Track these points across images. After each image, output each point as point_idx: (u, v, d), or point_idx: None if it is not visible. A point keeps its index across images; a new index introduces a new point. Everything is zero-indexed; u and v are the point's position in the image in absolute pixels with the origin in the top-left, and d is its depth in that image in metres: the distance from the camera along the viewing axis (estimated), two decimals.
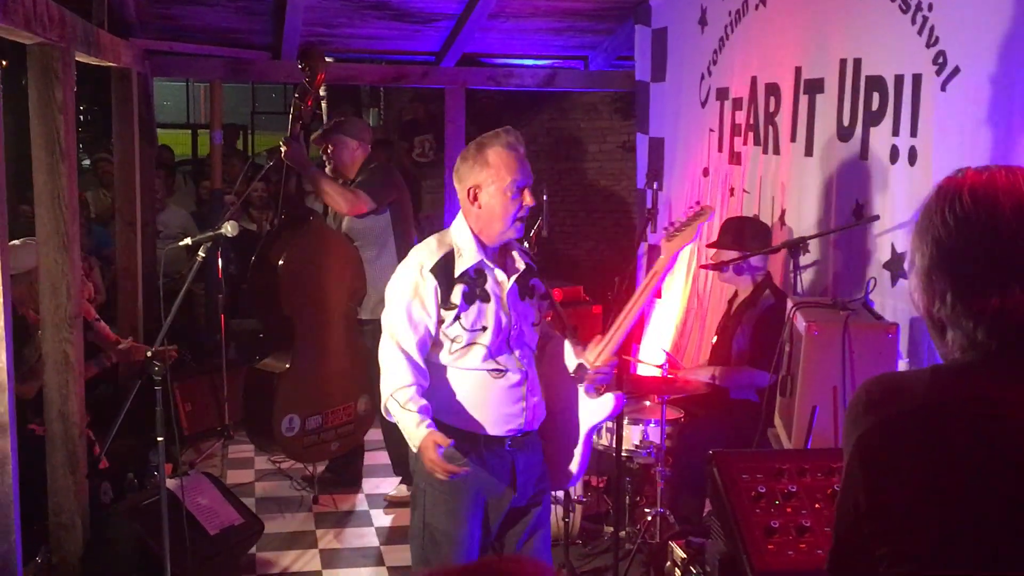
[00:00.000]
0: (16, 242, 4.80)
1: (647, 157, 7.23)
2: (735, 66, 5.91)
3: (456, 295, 3.30)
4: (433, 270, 3.31)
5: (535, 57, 8.26)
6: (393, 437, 5.91)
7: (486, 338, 3.32)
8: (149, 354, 3.91)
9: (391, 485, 6.01)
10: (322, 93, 13.40)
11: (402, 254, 5.74)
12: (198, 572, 4.46)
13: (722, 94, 6.07)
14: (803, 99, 5.14)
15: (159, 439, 3.93)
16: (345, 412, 5.71)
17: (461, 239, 3.37)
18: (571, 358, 3.55)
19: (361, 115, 12.01)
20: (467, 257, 3.33)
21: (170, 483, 4.50)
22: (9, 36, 4.01)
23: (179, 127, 19.54)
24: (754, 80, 5.66)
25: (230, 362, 6.85)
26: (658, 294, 6.93)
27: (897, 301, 4.23)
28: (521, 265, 3.45)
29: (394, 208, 5.73)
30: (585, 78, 8.34)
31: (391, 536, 5.48)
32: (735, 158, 5.92)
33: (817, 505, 2.10)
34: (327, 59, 8.30)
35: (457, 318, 3.30)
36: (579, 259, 10.24)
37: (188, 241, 4.22)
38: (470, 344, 3.32)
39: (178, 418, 6.40)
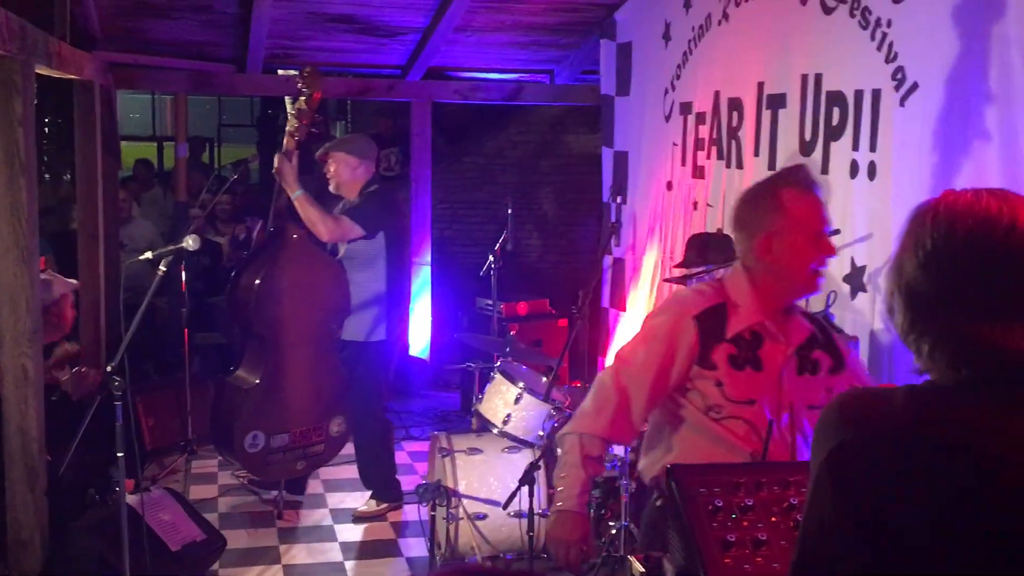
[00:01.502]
0: None
1: (612, 170, 7.27)
2: (698, 81, 5.94)
3: (719, 356, 2.81)
4: (698, 318, 2.84)
5: (501, 71, 8.29)
6: (368, 456, 5.91)
7: (753, 414, 2.80)
8: (108, 369, 3.88)
9: (356, 500, 6.00)
10: (288, 105, 13.38)
11: (392, 279, 5.74)
12: None
13: (686, 108, 6.11)
14: (766, 114, 5.18)
15: (119, 455, 3.90)
16: (316, 432, 5.66)
17: (739, 293, 2.86)
18: None
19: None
20: (744, 314, 2.83)
21: (131, 499, 4.46)
22: None
23: (145, 140, 19.43)
24: (717, 95, 5.69)
25: (194, 376, 6.81)
26: (622, 307, 6.96)
27: (856, 315, 4.27)
28: (805, 333, 2.93)
29: (389, 234, 5.69)
30: (551, 92, 8.37)
31: (356, 551, 5.45)
32: (699, 172, 5.95)
33: (773, 519, 2.11)
34: (293, 72, 8.30)
35: (718, 384, 2.81)
36: (545, 272, 10.25)
37: (149, 255, 4.20)
38: (732, 417, 2.81)
39: (140, 433, 6.34)
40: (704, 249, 5.03)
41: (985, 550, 1.43)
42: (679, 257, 6.10)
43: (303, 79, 5.36)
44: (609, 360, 7.01)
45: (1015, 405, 1.47)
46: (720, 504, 2.10)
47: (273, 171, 5.48)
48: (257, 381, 5.43)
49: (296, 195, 5.42)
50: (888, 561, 1.47)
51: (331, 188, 5.76)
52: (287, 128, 5.47)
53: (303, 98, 5.37)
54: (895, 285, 1.57)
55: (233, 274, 5.62)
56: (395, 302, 5.79)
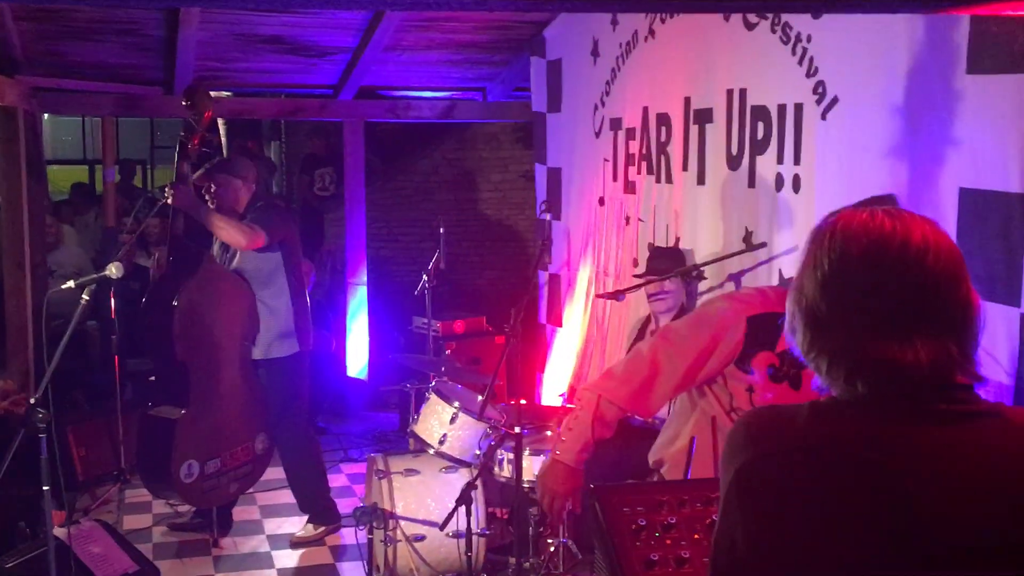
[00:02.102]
0: None
1: (545, 187, 7.29)
2: (627, 96, 5.99)
3: (759, 363, 2.81)
4: (751, 320, 2.83)
5: (433, 89, 8.28)
6: (299, 477, 5.85)
7: None
8: (32, 401, 3.80)
9: (293, 525, 5.93)
10: (221, 127, 13.26)
11: (295, 292, 5.70)
12: None
13: (615, 124, 6.15)
14: (693, 128, 5.22)
15: (45, 488, 3.82)
16: (244, 453, 5.62)
17: None
18: None
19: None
20: None
21: (60, 532, 4.37)
22: None
23: (77, 163, 19.15)
24: (646, 110, 5.74)
25: (126, 404, 6.70)
26: (559, 323, 6.97)
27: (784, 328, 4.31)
28: None
29: (284, 247, 5.66)
30: (483, 109, 8.38)
31: None
32: (630, 187, 5.99)
33: (696, 536, 2.12)
34: (224, 93, 8.24)
35: (749, 389, 2.83)
36: (483, 289, 10.25)
37: (71, 284, 4.12)
38: None
39: (72, 463, 6.23)
40: (663, 261, 5.00)
41: (893, 558, 1.45)
42: (612, 272, 6.14)
43: (189, 99, 5.31)
44: (547, 375, 7.05)
45: (911, 418, 1.50)
46: (643, 523, 2.11)
47: (169, 202, 5.36)
48: (183, 411, 5.34)
49: (203, 214, 5.38)
50: (798, 572, 1.49)
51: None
52: (178, 151, 5.41)
53: (192, 118, 5.33)
54: (796, 306, 1.59)
55: (143, 307, 5.51)
56: (299, 313, 5.73)
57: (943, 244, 1.53)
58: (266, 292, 5.61)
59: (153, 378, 5.79)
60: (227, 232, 5.40)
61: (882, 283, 1.51)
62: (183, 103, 5.35)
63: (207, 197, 5.64)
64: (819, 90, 4.12)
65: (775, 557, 1.50)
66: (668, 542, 2.10)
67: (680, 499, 2.17)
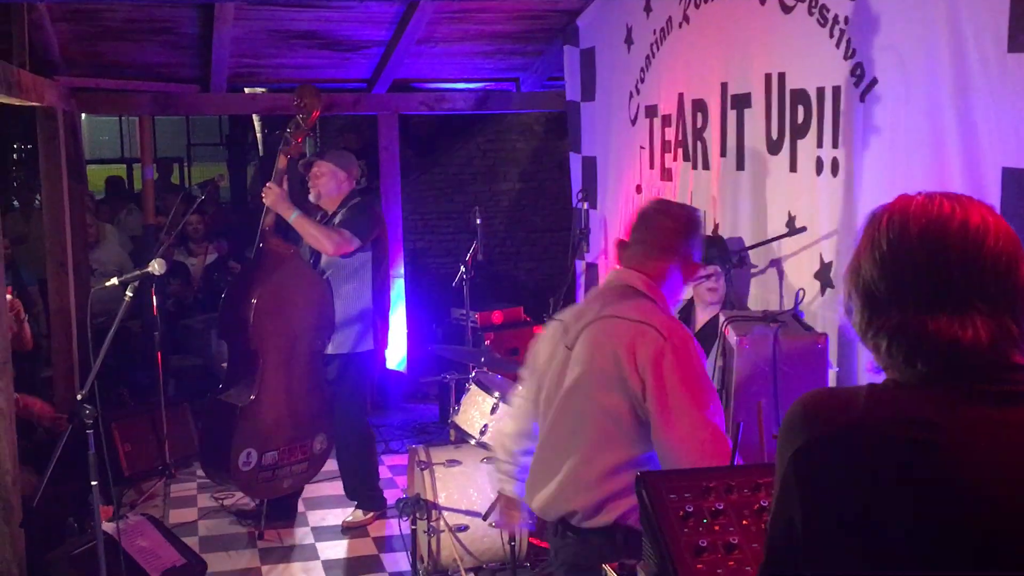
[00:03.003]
0: None
1: (580, 176, 7.27)
2: (662, 83, 5.96)
3: None
4: None
5: (467, 80, 8.29)
6: (353, 468, 5.91)
7: None
8: (79, 397, 3.85)
9: (337, 517, 5.99)
10: (256, 123, 13.34)
11: (378, 289, 5.76)
12: None
13: (651, 111, 6.12)
14: (731, 114, 5.19)
15: (93, 483, 3.87)
16: (301, 450, 5.69)
17: None
18: None
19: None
20: None
21: (108, 527, 4.42)
22: None
23: (115, 162, 19.31)
24: (681, 97, 5.71)
25: (169, 400, 6.77)
26: None
27: (826, 311, 4.28)
28: None
29: (375, 245, 5.71)
30: (517, 100, 8.37)
31: (339, 568, 5.43)
32: (666, 174, 5.96)
33: (745, 522, 2.11)
34: (259, 90, 8.28)
35: None
36: (520, 280, 10.25)
37: (115, 281, 4.16)
38: None
39: (117, 459, 6.30)
40: (705, 250, 4.96)
41: (948, 541, 1.44)
42: None
43: (300, 98, 5.39)
44: None
45: (968, 400, 1.49)
46: (691, 509, 2.10)
47: (265, 201, 5.51)
48: (252, 398, 5.44)
49: (293, 218, 5.47)
50: (856, 558, 1.48)
51: (311, 198, 5.77)
52: (280, 145, 5.51)
53: (300, 116, 5.42)
54: (852, 285, 1.60)
55: (225, 294, 5.64)
56: (381, 312, 5.81)
57: (1002, 226, 1.54)
58: (350, 287, 5.67)
59: (226, 364, 5.89)
60: (315, 238, 5.52)
61: (941, 261, 1.51)
62: (293, 102, 5.43)
63: (310, 185, 5.71)
64: (857, 72, 4.08)
65: (832, 539, 1.49)
66: (716, 528, 2.09)
67: (727, 485, 2.16)
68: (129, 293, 4.00)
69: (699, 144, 5.54)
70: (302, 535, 5.85)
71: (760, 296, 4.93)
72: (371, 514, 5.89)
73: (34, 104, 5.99)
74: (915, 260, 1.52)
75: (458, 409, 5.21)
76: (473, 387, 5.14)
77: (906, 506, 1.46)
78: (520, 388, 3.40)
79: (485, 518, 4.65)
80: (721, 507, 2.12)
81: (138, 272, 4.12)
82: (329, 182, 5.72)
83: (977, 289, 1.50)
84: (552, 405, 3.11)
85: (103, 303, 6.75)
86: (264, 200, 5.52)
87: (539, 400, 3.19)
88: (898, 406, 1.52)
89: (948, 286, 1.50)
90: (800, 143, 4.57)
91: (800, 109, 4.55)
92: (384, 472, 6.78)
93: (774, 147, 4.78)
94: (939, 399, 1.50)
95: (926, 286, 1.51)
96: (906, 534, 1.45)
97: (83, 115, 7.81)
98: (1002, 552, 1.43)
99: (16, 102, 5.52)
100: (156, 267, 4.10)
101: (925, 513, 1.45)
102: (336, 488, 6.10)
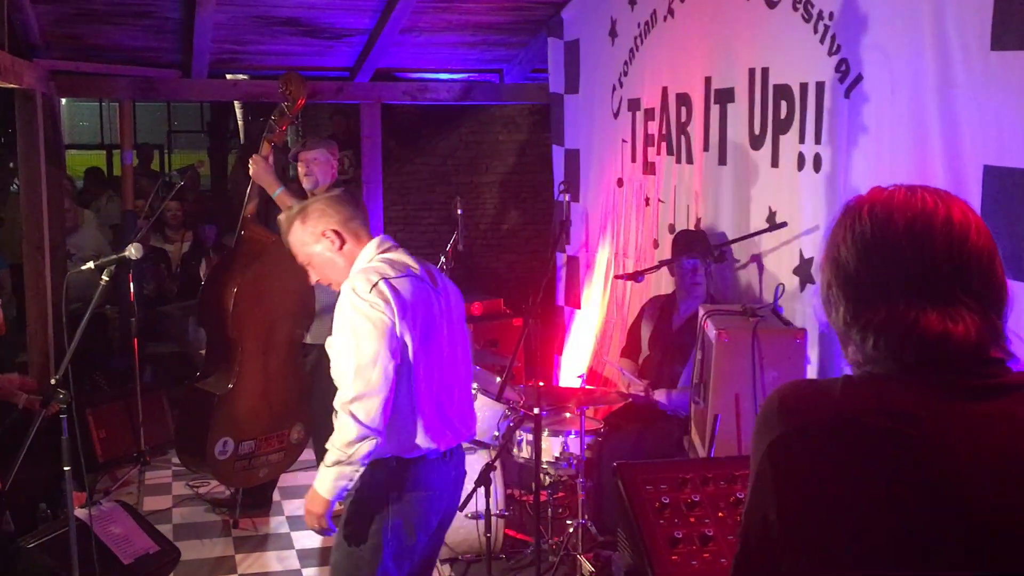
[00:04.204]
0: None
1: (563, 168, 7.26)
2: (646, 77, 5.95)
3: None
4: None
5: (450, 71, 8.25)
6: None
7: None
8: (53, 382, 3.80)
9: None
10: (238, 110, 13.27)
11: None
12: None
13: (634, 105, 6.11)
14: (714, 108, 5.19)
15: (66, 468, 3.82)
16: (278, 439, 5.65)
17: None
18: None
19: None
20: None
21: (80, 513, 4.38)
22: None
23: (93, 148, 19.19)
24: (665, 90, 5.70)
25: (145, 386, 6.71)
26: (577, 304, 6.95)
27: (806, 307, 4.29)
28: None
29: None
30: (500, 91, 8.34)
31: (314, 558, 5.40)
32: (649, 168, 5.96)
33: (720, 514, 2.10)
34: (241, 76, 8.23)
35: None
36: (500, 272, 10.23)
37: (91, 265, 4.11)
38: None
39: (92, 445, 6.25)
40: (687, 244, 4.97)
41: (926, 533, 1.43)
42: (632, 253, 6.12)
43: (285, 85, 5.36)
44: (565, 357, 7.03)
45: (947, 392, 1.48)
46: (667, 501, 2.10)
47: (250, 174, 5.46)
48: (230, 386, 5.40)
49: (277, 193, 5.45)
50: (833, 549, 1.47)
51: (306, 187, 5.73)
52: (264, 132, 5.47)
53: (285, 104, 5.39)
54: (832, 277, 1.57)
55: (205, 280, 5.59)
56: None
57: (980, 221, 1.54)
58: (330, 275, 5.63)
59: (204, 351, 5.84)
60: None
61: (929, 255, 1.50)
62: (278, 89, 5.43)
63: (304, 173, 5.69)
64: (842, 68, 4.08)
65: (808, 533, 1.48)
66: (692, 520, 2.09)
67: (704, 477, 2.16)
68: (105, 277, 3.95)
69: (683, 138, 5.53)
70: (277, 524, 5.82)
71: (741, 291, 4.93)
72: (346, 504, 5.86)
73: (13, 86, 5.93)
74: (902, 253, 1.51)
75: None
76: None
77: (883, 498, 1.45)
78: None
79: (461, 509, 4.63)
80: (697, 499, 2.11)
81: (115, 256, 4.07)
82: (319, 169, 5.69)
83: (963, 283, 1.50)
84: None
85: (79, 288, 6.69)
86: (250, 171, 5.47)
87: None
88: (876, 398, 1.51)
89: (936, 280, 1.50)
90: (782, 138, 4.58)
91: (783, 104, 4.55)
92: None
93: (756, 142, 4.78)
94: (918, 391, 1.49)
95: (914, 280, 1.50)
96: (882, 526, 1.44)
97: (63, 100, 7.73)
98: (980, 545, 1.42)
99: None
100: (133, 251, 4.05)
101: (902, 505, 1.44)
102: (312, 478, 5.95)
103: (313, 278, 3.64)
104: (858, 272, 1.54)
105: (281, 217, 3.63)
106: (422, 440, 3.33)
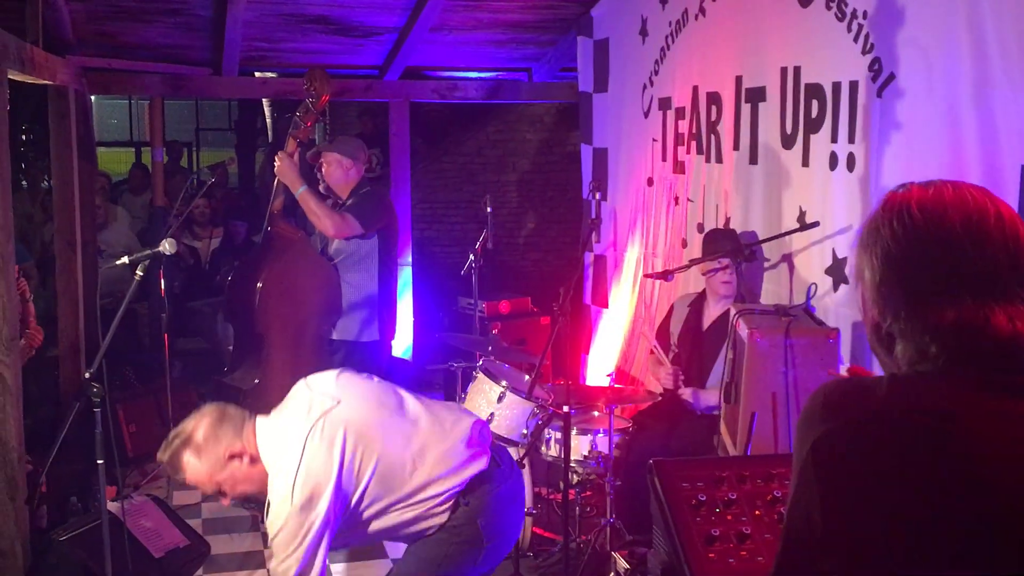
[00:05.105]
0: None
1: (591, 167, 7.26)
2: (676, 76, 5.94)
3: None
4: None
5: (479, 69, 8.26)
6: None
7: None
8: (87, 376, 3.83)
9: None
10: (266, 107, 13.31)
11: (384, 279, 5.74)
12: None
13: (664, 104, 6.10)
14: (745, 107, 5.17)
15: (99, 462, 3.85)
16: None
17: None
18: None
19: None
20: None
21: (112, 506, 4.42)
22: None
23: (123, 145, 19.33)
24: (695, 89, 5.69)
25: (175, 381, 6.76)
26: (604, 304, 6.94)
27: (839, 306, 4.27)
28: None
29: (382, 233, 5.69)
30: (529, 90, 8.35)
31: (343, 554, 5.41)
32: (679, 167, 5.95)
33: (757, 512, 2.10)
34: (270, 74, 8.27)
35: None
36: (527, 270, 10.24)
37: (126, 260, 4.14)
38: None
39: (122, 440, 6.30)
40: (717, 243, 4.95)
41: (971, 533, 1.42)
42: (661, 252, 6.11)
43: (309, 82, 5.37)
44: (592, 356, 7.02)
45: (989, 389, 1.46)
46: (703, 498, 2.09)
47: (275, 170, 5.47)
48: (257, 381, 5.43)
49: (300, 191, 5.45)
50: (876, 548, 1.46)
51: (321, 188, 5.76)
52: (290, 129, 5.49)
53: (310, 100, 5.39)
54: (882, 276, 1.54)
55: (232, 275, 5.62)
56: (386, 302, 5.79)
57: (1020, 219, 1.52)
58: (356, 275, 5.65)
59: (231, 347, 5.88)
60: (317, 217, 5.46)
61: (990, 251, 1.48)
62: (304, 86, 5.41)
63: (318, 175, 5.71)
64: (875, 67, 4.06)
65: (851, 531, 1.47)
66: (729, 518, 2.08)
67: (740, 474, 2.15)
68: (139, 272, 3.98)
69: (712, 137, 5.52)
70: None
71: (772, 290, 4.92)
72: None
73: (46, 82, 5.97)
74: (962, 250, 1.49)
75: (464, 397, 5.20)
76: (480, 375, 5.12)
77: (926, 498, 1.44)
78: None
79: None
80: (734, 496, 2.11)
81: (148, 252, 4.10)
82: (335, 171, 5.70)
83: (1020, 279, 1.48)
84: None
85: (109, 284, 6.74)
86: (275, 167, 5.50)
87: None
88: (923, 396, 1.49)
89: (997, 277, 1.48)
90: (814, 138, 4.56)
91: (815, 103, 4.53)
92: None
93: (788, 141, 4.76)
94: (966, 389, 1.47)
95: (976, 277, 1.48)
96: (925, 525, 1.43)
97: (93, 97, 7.79)
98: (1019, 545, 1.41)
99: (29, 79, 5.50)
100: (167, 247, 4.08)
101: (946, 506, 1.43)
102: None
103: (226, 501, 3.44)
104: (914, 270, 1.51)
105: (163, 456, 3.37)
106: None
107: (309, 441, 3.18)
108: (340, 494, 3.14)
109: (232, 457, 3.26)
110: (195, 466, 3.27)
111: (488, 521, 3.31)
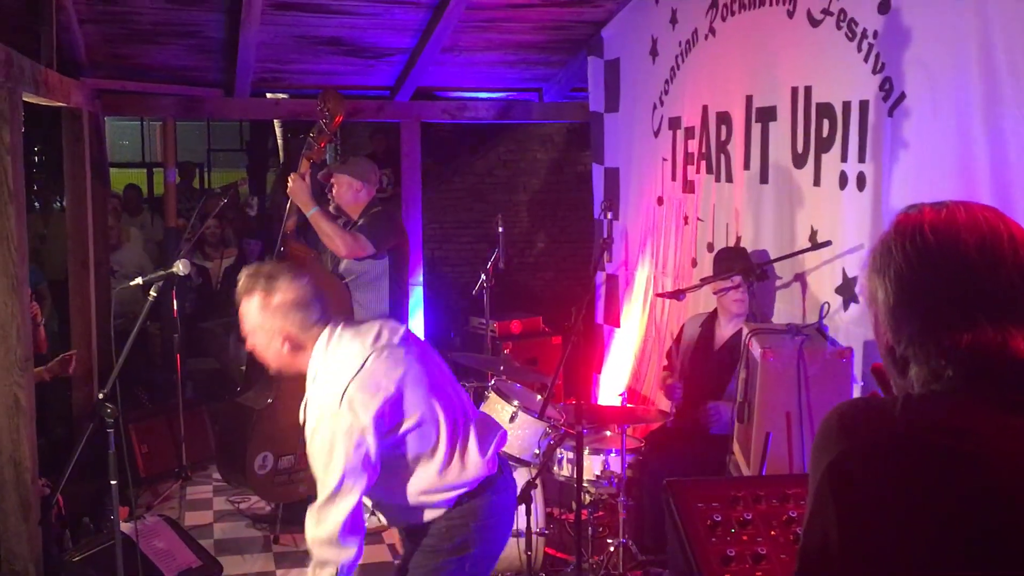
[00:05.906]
0: None
1: (603, 187, 7.27)
2: (686, 96, 5.96)
3: None
4: None
5: (490, 90, 8.29)
6: None
7: None
8: (100, 396, 3.85)
9: None
10: (277, 128, 13.37)
11: (396, 299, 5.75)
12: None
13: (674, 123, 6.12)
14: (755, 127, 5.18)
15: (112, 483, 3.87)
16: None
17: None
18: None
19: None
20: None
21: (125, 527, 4.42)
22: None
23: (135, 166, 19.40)
24: (705, 109, 5.70)
25: (187, 402, 6.78)
26: (616, 323, 6.94)
27: (850, 325, 4.26)
28: None
29: (393, 254, 5.70)
30: (539, 110, 8.37)
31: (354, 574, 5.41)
32: (688, 186, 5.96)
33: (772, 532, 2.09)
34: (282, 95, 8.31)
35: None
36: (538, 290, 10.24)
37: (139, 281, 4.17)
38: None
39: (134, 460, 6.31)
40: (729, 262, 4.96)
41: (988, 553, 1.42)
42: (671, 271, 6.11)
43: (323, 102, 5.39)
44: (604, 376, 7.02)
45: (1005, 409, 1.46)
46: (719, 519, 2.09)
47: (287, 191, 5.50)
48: (270, 401, 5.44)
49: (311, 212, 5.46)
50: (893, 567, 1.46)
51: (332, 209, 5.77)
52: (303, 150, 5.52)
53: (324, 120, 5.41)
54: (895, 299, 1.54)
55: None
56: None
57: None
58: (368, 295, 5.66)
59: (244, 367, 5.89)
60: (329, 237, 5.47)
61: (1004, 273, 1.48)
62: (317, 107, 5.43)
63: (329, 196, 5.73)
64: (886, 86, 4.07)
65: (868, 552, 1.47)
66: (744, 538, 2.08)
67: (755, 495, 2.15)
68: (153, 293, 4.00)
69: (723, 157, 5.53)
70: None
71: (785, 310, 4.92)
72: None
73: (60, 104, 6.01)
74: (977, 273, 1.48)
75: None
76: (492, 395, 5.13)
77: (943, 517, 1.44)
78: None
79: None
80: (749, 517, 2.10)
81: (162, 272, 4.12)
82: (346, 192, 5.72)
83: None
84: None
85: (122, 304, 6.76)
86: (288, 188, 5.52)
87: None
88: (938, 416, 1.49)
89: (1013, 298, 1.48)
90: (824, 157, 4.56)
91: (825, 123, 4.54)
92: None
93: (799, 160, 4.77)
94: (981, 409, 1.47)
95: (991, 299, 1.48)
96: (944, 546, 1.43)
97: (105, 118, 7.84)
98: None
99: (43, 102, 5.54)
100: (180, 267, 4.10)
101: (964, 525, 1.43)
102: None
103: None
104: (928, 294, 1.51)
105: (242, 278, 3.35)
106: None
107: (374, 358, 3.16)
108: (383, 419, 3.12)
109: (285, 339, 3.24)
110: (252, 314, 3.26)
111: (481, 525, 3.33)
